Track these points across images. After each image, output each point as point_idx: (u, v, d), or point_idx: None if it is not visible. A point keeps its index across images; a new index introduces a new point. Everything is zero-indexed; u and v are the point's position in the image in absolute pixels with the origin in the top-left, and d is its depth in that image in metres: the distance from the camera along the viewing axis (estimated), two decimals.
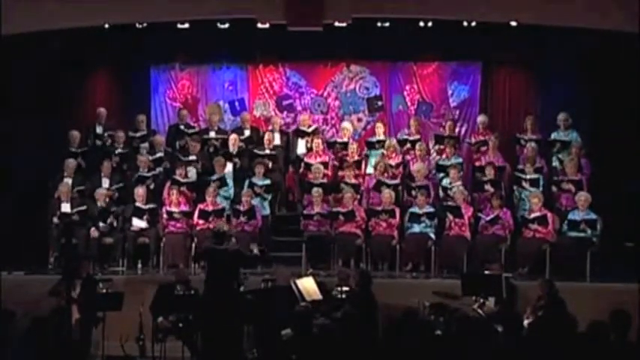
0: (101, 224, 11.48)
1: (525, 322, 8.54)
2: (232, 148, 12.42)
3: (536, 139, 12.16)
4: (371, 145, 12.62)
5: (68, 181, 11.83)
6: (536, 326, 7.92)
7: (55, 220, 11.34)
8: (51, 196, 11.68)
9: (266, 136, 12.61)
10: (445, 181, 11.95)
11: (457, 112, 13.54)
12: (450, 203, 11.45)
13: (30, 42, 11.60)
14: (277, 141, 12.77)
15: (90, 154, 12.45)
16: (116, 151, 12.46)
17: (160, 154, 12.43)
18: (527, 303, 9.41)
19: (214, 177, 11.94)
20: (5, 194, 11.71)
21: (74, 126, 12.64)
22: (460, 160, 12.25)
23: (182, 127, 12.95)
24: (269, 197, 12.05)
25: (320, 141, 12.52)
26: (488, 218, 11.20)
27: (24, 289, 10.04)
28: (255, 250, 10.23)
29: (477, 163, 12.18)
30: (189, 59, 13.75)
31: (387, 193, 11.55)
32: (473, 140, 12.61)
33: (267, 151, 12.43)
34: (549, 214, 11.06)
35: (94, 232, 11.38)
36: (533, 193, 11.28)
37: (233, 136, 12.54)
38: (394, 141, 12.53)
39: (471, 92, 13.54)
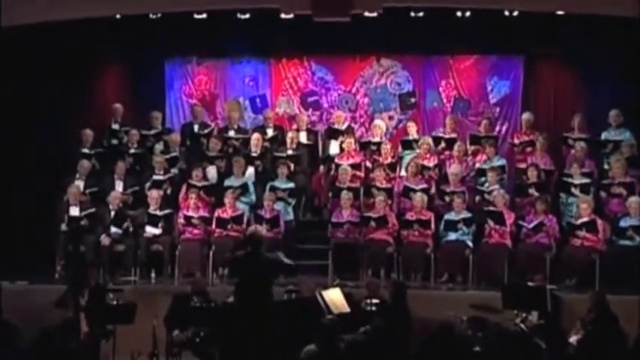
0: (113, 229, 11.50)
1: (572, 339, 8.43)
2: (254, 149, 12.39)
3: (585, 138, 12.04)
4: (407, 145, 12.53)
5: (79, 183, 11.88)
6: (584, 343, 7.80)
7: (63, 226, 11.38)
8: (59, 199, 11.72)
9: (289, 135, 12.56)
10: (484, 185, 11.84)
11: (497, 110, 13.48)
12: (490, 208, 11.35)
13: (34, 34, 11.65)
14: (304, 140, 12.74)
15: (103, 154, 12.49)
16: (129, 151, 12.50)
17: (174, 154, 12.44)
18: (574, 318, 9.30)
19: (236, 183, 11.91)
20: (9, 198, 11.75)
21: (83, 125, 12.68)
22: (502, 161, 12.13)
23: (196, 126, 12.94)
24: (293, 202, 12.01)
25: (352, 140, 12.47)
26: (531, 225, 11.09)
27: (28, 300, 10.09)
28: (287, 260, 10.21)
29: (520, 165, 12.07)
30: (207, 53, 13.80)
31: (419, 197, 11.48)
32: (517, 140, 12.50)
33: (290, 152, 12.39)
34: (599, 221, 10.93)
35: (104, 239, 11.40)
36: (582, 197, 11.15)
37: (256, 136, 12.51)
38: (429, 139, 12.45)
39: (513, 88, 13.46)
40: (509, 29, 12.46)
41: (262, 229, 10.70)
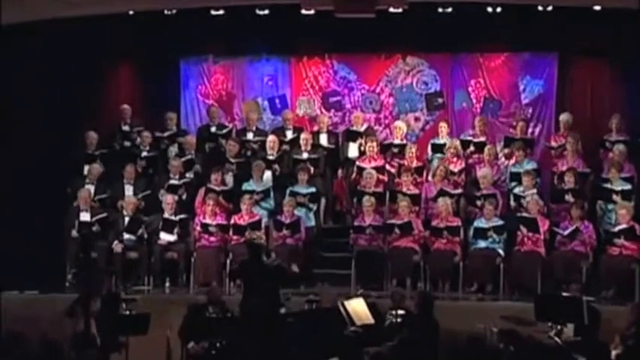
0: (126, 236, 11.52)
1: (613, 354, 8.34)
2: (270, 152, 12.39)
3: (624, 140, 11.95)
4: (437, 149, 12.48)
5: (90, 187, 11.92)
6: (625, 358, 7.72)
7: (74, 232, 11.42)
8: (70, 204, 11.77)
9: (302, 136, 12.52)
10: (517, 189, 11.76)
11: (530, 111, 13.39)
12: (524, 214, 11.27)
13: (41, 32, 11.69)
14: (324, 142, 12.72)
15: (113, 157, 12.51)
16: (142, 154, 12.51)
17: (190, 156, 12.45)
18: (612, 331, 9.19)
19: (257, 187, 11.90)
20: (17, 203, 11.79)
21: (94, 126, 12.72)
22: (535, 165, 12.05)
23: (214, 128, 12.95)
24: (314, 207, 11.99)
25: (374, 143, 12.43)
26: (566, 232, 11.03)
27: (37, 310, 10.13)
28: (295, 268, 10.21)
29: (556, 169, 11.99)
30: (224, 51, 13.81)
31: (442, 202, 11.44)
32: (554, 143, 12.41)
33: (307, 155, 12.36)
34: (639, 228, 10.83)
35: (117, 246, 11.43)
36: (621, 203, 11.06)
37: (271, 138, 12.50)
38: (457, 142, 12.39)
39: (546, 87, 13.37)
40: (543, 25, 12.39)
41: (262, 236, 10.68)
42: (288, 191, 11.96)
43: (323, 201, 12.42)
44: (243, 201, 11.63)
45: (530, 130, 13.04)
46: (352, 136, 12.82)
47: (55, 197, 11.99)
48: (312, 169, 12.22)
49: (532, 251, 11.08)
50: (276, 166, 12.31)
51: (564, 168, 11.79)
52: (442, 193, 11.69)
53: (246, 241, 10.39)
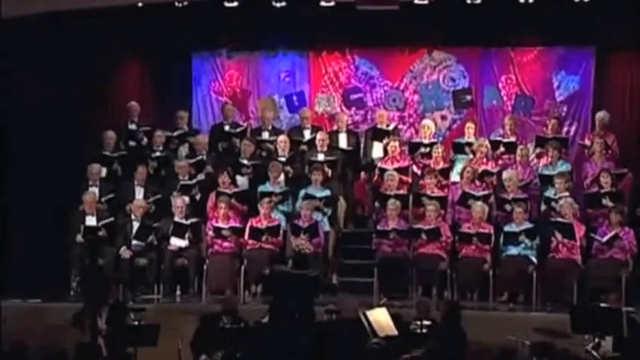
0: (135, 241, 11.55)
1: None
2: (282, 153, 12.40)
3: None
4: (459, 148, 12.45)
5: (94, 190, 11.95)
6: None
7: (79, 237, 11.46)
8: (74, 209, 11.81)
9: (318, 137, 12.50)
10: (549, 192, 11.72)
11: (564, 109, 13.37)
12: (558, 219, 11.22)
13: (43, 26, 11.72)
14: (343, 143, 12.70)
15: (122, 158, 12.53)
16: (153, 155, 12.53)
17: (200, 157, 12.44)
18: None
19: (275, 189, 11.90)
20: (18, 206, 11.84)
21: (99, 126, 12.75)
22: (566, 166, 12.01)
23: (227, 127, 12.96)
24: (329, 212, 11.99)
25: (397, 143, 12.40)
26: (604, 238, 10.99)
27: (40, 320, 10.17)
28: (335, 280, 10.22)
29: (592, 172, 11.92)
30: (239, 45, 13.82)
31: (479, 207, 11.39)
32: (588, 142, 12.37)
33: (323, 157, 12.32)
34: None
35: (125, 252, 11.47)
36: None
37: (282, 138, 12.51)
38: (485, 141, 12.34)
39: (583, 83, 13.35)
40: (579, 16, 12.34)
41: (305, 245, 10.69)
42: (302, 194, 11.94)
43: (343, 205, 12.40)
44: (261, 204, 11.64)
45: (564, 129, 13.00)
46: (378, 135, 12.77)
47: (58, 200, 12.01)
48: (329, 172, 12.19)
49: (567, 259, 11.04)
50: (288, 168, 12.32)
51: (596, 170, 11.75)
52: (467, 196, 11.65)
53: (294, 249, 10.36)
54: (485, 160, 12.25)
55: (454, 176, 12.30)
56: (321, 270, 10.98)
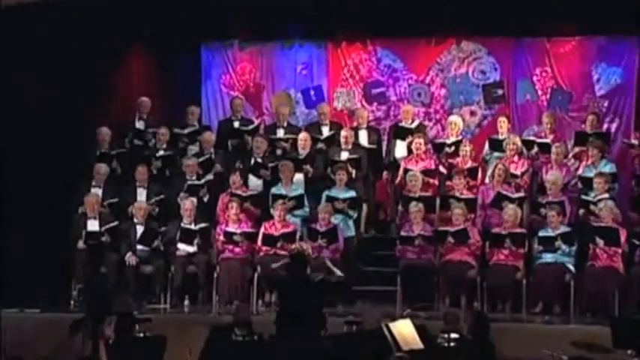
0: (140, 247, 11.60)
1: None
2: (302, 152, 12.41)
3: None
4: (496, 146, 12.40)
5: (97, 191, 12.00)
6: None
7: (80, 243, 11.52)
8: (75, 212, 11.87)
9: (342, 133, 12.51)
10: (588, 195, 11.69)
11: (605, 104, 13.36)
12: (600, 224, 11.19)
13: (42, 15, 11.77)
14: (364, 140, 12.72)
15: (125, 157, 12.58)
16: (157, 154, 12.56)
17: (208, 156, 12.47)
18: None
19: (289, 192, 11.94)
20: (15, 210, 11.90)
21: (102, 123, 12.78)
22: (610, 166, 11.97)
23: (236, 123, 12.99)
24: (354, 215, 12.00)
25: (422, 141, 12.40)
26: None
27: (39, 331, 10.21)
28: (338, 272, 10.20)
29: (636, 172, 11.96)
30: (251, 35, 13.89)
31: (512, 210, 11.38)
32: (634, 141, 12.37)
33: (347, 155, 12.34)
34: None
35: (130, 259, 11.52)
36: None
37: (303, 136, 12.53)
38: (516, 138, 12.30)
39: (625, 76, 13.36)
40: (620, 4, 12.31)
41: (308, 246, 10.67)
42: (324, 196, 11.97)
43: (365, 208, 12.42)
44: (275, 207, 11.67)
45: (605, 126, 12.98)
46: (401, 133, 12.78)
47: (59, 203, 12.07)
48: (353, 172, 12.20)
49: (608, 267, 11.03)
50: (307, 167, 12.33)
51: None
52: (501, 197, 11.64)
53: (291, 251, 10.34)
54: (516, 159, 12.21)
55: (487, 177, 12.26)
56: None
